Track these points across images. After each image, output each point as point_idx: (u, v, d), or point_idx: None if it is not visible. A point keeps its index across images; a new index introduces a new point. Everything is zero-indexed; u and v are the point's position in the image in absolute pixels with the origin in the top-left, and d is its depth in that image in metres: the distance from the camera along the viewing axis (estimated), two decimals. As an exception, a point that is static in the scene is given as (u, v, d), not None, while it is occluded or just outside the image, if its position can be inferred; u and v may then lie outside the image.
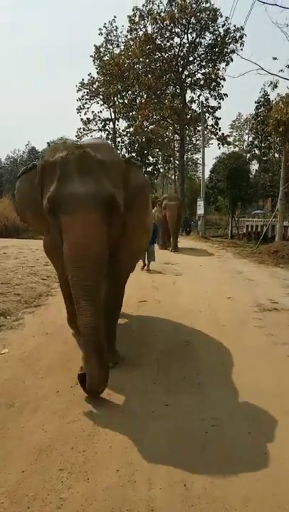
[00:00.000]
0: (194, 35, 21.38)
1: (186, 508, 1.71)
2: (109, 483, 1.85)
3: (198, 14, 20.51)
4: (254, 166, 32.12)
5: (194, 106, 23.11)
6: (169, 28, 20.99)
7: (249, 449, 2.12)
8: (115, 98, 25.96)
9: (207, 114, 22.37)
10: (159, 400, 2.62)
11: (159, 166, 31.69)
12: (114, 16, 28.78)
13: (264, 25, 50.39)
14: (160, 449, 2.11)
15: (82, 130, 27.74)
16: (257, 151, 31.49)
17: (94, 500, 1.74)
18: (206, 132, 22.09)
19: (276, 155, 28.47)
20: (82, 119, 27.52)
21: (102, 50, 26.02)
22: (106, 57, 25.33)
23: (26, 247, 9.77)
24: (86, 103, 27.35)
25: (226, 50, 20.83)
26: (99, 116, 27.83)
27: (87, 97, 27.15)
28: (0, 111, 66.07)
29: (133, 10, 21.39)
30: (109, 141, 24.26)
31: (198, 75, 22.64)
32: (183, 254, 11.33)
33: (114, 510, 1.69)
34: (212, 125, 22.93)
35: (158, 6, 21.02)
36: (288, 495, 1.80)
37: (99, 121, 28.08)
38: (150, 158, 30.34)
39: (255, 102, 27.92)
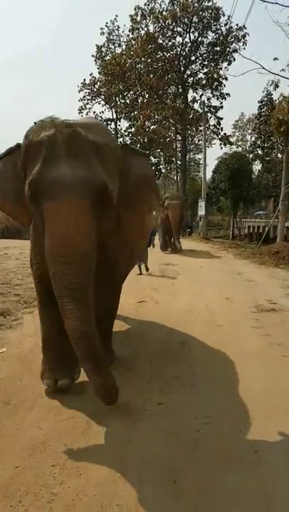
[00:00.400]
0: (196, 34, 21.50)
1: (175, 504, 1.74)
2: (100, 479, 1.89)
3: (200, 13, 20.57)
4: (257, 167, 32.13)
5: (196, 106, 23.17)
6: (171, 27, 21.10)
7: (240, 447, 2.15)
8: (117, 98, 26.02)
9: (209, 114, 22.39)
10: (152, 399, 2.65)
11: (161, 167, 31.73)
12: (116, 15, 28.84)
13: (264, 25, 50.27)
14: (152, 446, 2.14)
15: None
16: (260, 151, 31.44)
17: (84, 495, 1.78)
18: (208, 132, 22.12)
19: (279, 155, 28.45)
20: (84, 120, 27.55)
21: (103, 49, 26.06)
22: (108, 57, 25.38)
23: (27, 248, 9.79)
24: (88, 103, 27.43)
25: (228, 49, 20.84)
26: (101, 117, 27.87)
27: (88, 97, 27.24)
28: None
29: (135, 9, 21.52)
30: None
31: (201, 75, 22.72)
32: (183, 255, 11.35)
33: (103, 505, 1.73)
34: (214, 125, 22.98)
35: (160, 4, 21.12)
36: (276, 492, 1.84)
37: (101, 121, 28.15)
38: (152, 158, 30.39)
39: (258, 102, 27.90)
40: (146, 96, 23.53)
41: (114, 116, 28.15)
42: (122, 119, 27.70)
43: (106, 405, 2.24)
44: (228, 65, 21.43)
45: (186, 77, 22.59)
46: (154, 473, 1.94)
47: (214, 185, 23.54)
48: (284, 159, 13.64)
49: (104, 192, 2.23)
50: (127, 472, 1.94)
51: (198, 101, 22.75)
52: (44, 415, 2.43)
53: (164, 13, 20.76)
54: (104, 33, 26.09)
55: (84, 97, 27.19)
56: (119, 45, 25.94)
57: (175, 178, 35.44)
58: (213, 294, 5.91)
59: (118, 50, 25.40)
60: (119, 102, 26.18)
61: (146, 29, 21.69)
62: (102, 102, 27.53)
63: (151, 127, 24.29)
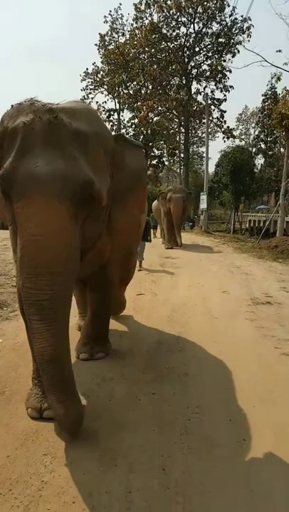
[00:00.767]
0: (201, 24, 21.10)
1: (162, 491, 1.78)
2: (90, 467, 1.92)
3: (205, 3, 20.17)
4: (260, 161, 31.87)
5: (200, 98, 22.92)
6: (176, 17, 20.72)
7: (228, 436, 2.19)
8: (120, 88, 25.72)
9: (212, 107, 22.16)
10: (146, 389, 2.69)
11: (164, 159, 31.54)
12: (120, 4, 28.41)
13: (267, 17, 49.43)
14: (143, 435, 2.18)
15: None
16: (263, 145, 31.16)
17: (74, 482, 1.82)
18: (211, 125, 21.92)
19: (282, 149, 28.19)
20: (86, 110, 27.33)
21: (107, 38, 25.70)
22: (111, 46, 25.04)
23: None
24: (90, 93, 27.14)
25: (232, 41, 20.54)
26: (103, 107, 27.60)
27: (91, 86, 26.96)
28: None
29: (139, -3, 21.08)
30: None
31: (204, 66, 22.40)
32: (183, 248, 11.33)
33: (92, 492, 1.76)
34: (217, 118, 22.73)
35: (164, -7, 20.71)
36: (260, 479, 1.87)
37: (103, 112, 27.89)
38: (155, 150, 30.17)
39: (262, 95, 27.57)
40: (150, 87, 23.27)
41: (117, 107, 27.90)
42: (124, 110, 27.47)
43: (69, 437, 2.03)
44: (233, 57, 21.16)
45: (189, 68, 22.27)
46: (143, 460, 1.97)
47: (217, 179, 23.42)
48: (285, 154, 13.52)
49: (89, 191, 1.90)
50: (117, 460, 1.97)
51: (202, 93, 22.53)
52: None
53: (169, 2, 20.38)
54: (107, 22, 25.75)
55: (87, 86, 26.95)
56: (123, 35, 25.55)
57: (178, 171, 35.27)
58: (211, 287, 5.94)
59: (122, 40, 25.09)
60: (122, 93, 25.87)
61: (150, 18, 21.39)
62: (105, 92, 27.26)
63: (155, 119, 24.06)
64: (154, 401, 2.54)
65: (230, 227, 21.88)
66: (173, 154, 31.02)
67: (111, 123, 28.28)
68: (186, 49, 21.76)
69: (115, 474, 1.88)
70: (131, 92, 25.10)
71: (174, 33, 21.41)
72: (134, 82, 24.16)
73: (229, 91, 21.86)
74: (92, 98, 27.18)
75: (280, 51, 10.71)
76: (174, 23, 21.01)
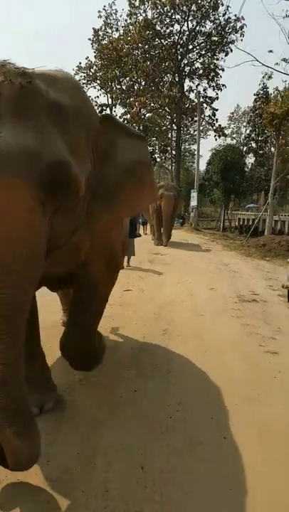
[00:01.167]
0: (194, 22, 21.04)
1: (140, 490, 1.75)
2: (69, 466, 1.88)
3: (199, 1, 20.12)
4: (250, 159, 32.06)
5: (192, 95, 22.91)
6: (170, 14, 20.62)
7: (210, 434, 2.17)
8: (113, 84, 25.56)
9: (205, 105, 22.17)
10: (128, 386, 2.66)
11: (156, 156, 31.45)
12: (114, -2, 28.15)
13: (259, 17, 49.42)
14: (123, 433, 2.14)
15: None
16: (254, 145, 31.35)
17: (51, 481, 1.77)
18: (203, 123, 21.93)
19: (272, 149, 28.42)
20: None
21: (100, 33, 25.47)
22: (105, 41, 24.83)
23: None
24: (83, 87, 26.81)
25: (225, 40, 20.55)
26: (96, 102, 27.38)
27: (84, 81, 26.68)
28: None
29: (134, -7, 20.93)
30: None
31: (197, 64, 22.39)
32: (172, 246, 11.32)
33: (69, 490, 1.72)
34: (209, 116, 22.77)
35: (159, -10, 20.57)
36: (241, 477, 1.86)
37: (96, 107, 27.69)
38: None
39: (254, 95, 27.69)
40: (143, 83, 23.16)
41: (110, 102, 27.71)
42: (117, 105, 27.29)
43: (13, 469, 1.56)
44: (225, 55, 21.19)
45: (182, 65, 22.23)
46: (122, 458, 1.94)
47: (208, 177, 23.47)
48: (275, 153, 13.61)
49: (63, 174, 1.52)
50: (96, 459, 1.94)
51: (194, 91, 22.53)
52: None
53: (163, -1, 20.34)
54: (101, 16, 25.50)
55: (79, 80, 26.66)
56: (117, 30, 25.37)
57: (170, 167, 35.24)
58: (198, 284, 5.93)
59: (115, 35, 24.89)
60: (114, 88, 25.72)
61: (144, 15, 21.26)
62: (98, 87, 27.06)
63: (147, 115, 23.97)
64: (136, 398, 2.51)
65: (219, 224, 21.97)
66: (164, 151, 30.98)
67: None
68: (179, 46, 21.69)
69: (94, 473, 1.84)
70: (124, 87, 24.96)
71: (168, 30, 21.35)
72: (127, 78, 24.03)
73: (221, 89, 21.93)
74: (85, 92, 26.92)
75: (271, 51, 10.67)
76: (167, 20, 20.93)
